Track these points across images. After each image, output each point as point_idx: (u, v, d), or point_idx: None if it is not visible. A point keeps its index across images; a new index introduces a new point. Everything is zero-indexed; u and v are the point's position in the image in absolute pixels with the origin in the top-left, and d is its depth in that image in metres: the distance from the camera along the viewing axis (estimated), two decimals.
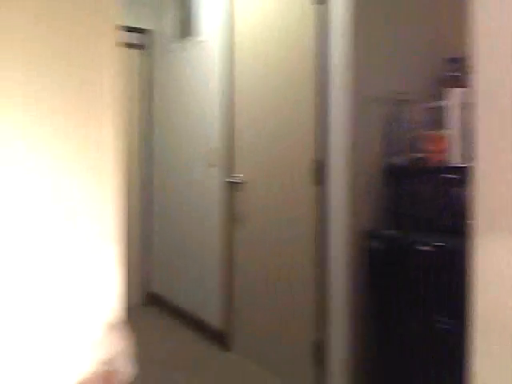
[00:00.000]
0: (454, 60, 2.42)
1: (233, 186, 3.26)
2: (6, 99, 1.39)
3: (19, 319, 1.19)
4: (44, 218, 1.40)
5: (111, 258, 1.51)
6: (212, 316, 3.54)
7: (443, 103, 2.27)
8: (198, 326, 3.72)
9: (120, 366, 1.15)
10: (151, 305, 4.40)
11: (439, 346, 2.02)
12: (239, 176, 3.20)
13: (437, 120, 2.39)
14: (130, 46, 4.26)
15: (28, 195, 1.40)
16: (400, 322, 2.19)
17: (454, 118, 2.16)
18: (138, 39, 4.34)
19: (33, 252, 1.39)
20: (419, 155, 2.39)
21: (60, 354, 1.04)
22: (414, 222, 2.29)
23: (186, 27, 3.92)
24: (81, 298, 1.30)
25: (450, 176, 2.11)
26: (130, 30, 4.24)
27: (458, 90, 2.18)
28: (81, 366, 1.17)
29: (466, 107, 2.09)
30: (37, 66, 1.44)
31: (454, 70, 2.38)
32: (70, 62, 1.46)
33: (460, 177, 2.06)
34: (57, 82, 1.47)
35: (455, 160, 2.16)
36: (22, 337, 1.10)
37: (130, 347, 1.20)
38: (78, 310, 1.21)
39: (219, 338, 3.41)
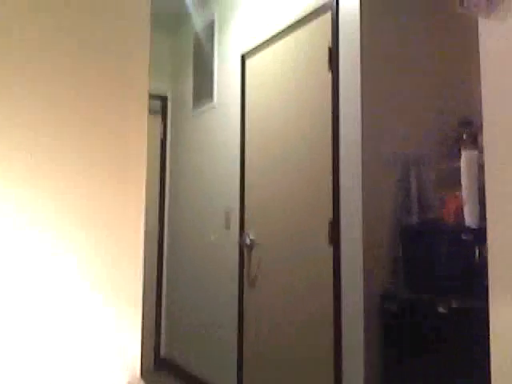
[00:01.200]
0: (468, 121, 2.46)
1: (245, 247, 3.26)
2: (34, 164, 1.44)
3: (40, 377, 1.18)
4: (70, 281, 1.41)
5: (132, 320, 1.50)
6: (225, 382, 3.43)
7: (457, 164, 2.30)
8: None
9: None
10: (162, 370, 4.29)
11: None
12: (251, 237, 3.20)
13: (451, 181, 2.41)
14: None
15: (56, 255, 1.42)
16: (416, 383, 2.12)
17: (468, 178, 2.18)
18: (155, 105, 4.49)
19: (57, 310, 1.39)
20: (433, 216, 2.39)
21: None
22: (428, 284, 2.26)
23: (200, 93, 4.06)
24: (102, 357, 1.28)
25: (465, 237, 2.11)
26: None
27: (471, 151, 2.21)
28: None
29: (480, 168, 2.11)
30: (65, 131, 1.49)
31: (468, 131, 2.42)
32: (100, 127, 1.52)
33: (476, 238, 2.05)
34: (86, 147, 1.52)
35: (470, 221, 2.16)
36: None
37: None
38: (98, 369, 1.19)
39: None
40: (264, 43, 3.21)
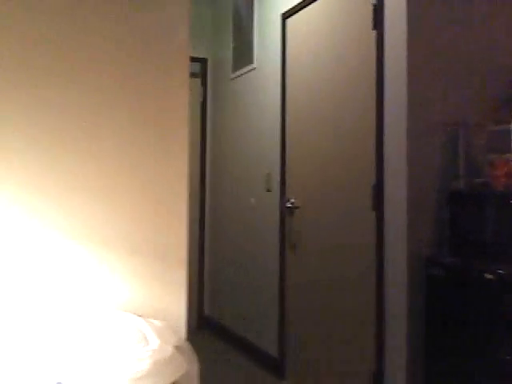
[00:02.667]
0: None
1: (287, 211, 3.25)
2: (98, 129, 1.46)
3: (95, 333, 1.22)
4: (117, 245, 1.45)
5: (177, 283, 1.54)
6: (267, 343, 3.50)
7: (508, 126, 2.20)
8: (251, 351, 3.70)
9: None
10: (204, 328, 4.41)
11: (502, 380, 1.92)
12: (292, 201, 3.19)
13: (501, 144, 2.32)
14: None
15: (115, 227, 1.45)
16: (460, 353, 2.10)
17: None
18: (194, 68, 4.45)
19: (106, 273, 1.43)
20: (482, 180, 2.32)
21: (130, 375, 1.06)
22: (477, 249, 2.21)
23: (240, 55, 4.00)
24: (150, 320, 1.32)
25: None
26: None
27: None
28: None
29: None
30: (113, 94, 1.50)
31: None
32: (143, 91, 1.52)
33: None
34: (132, 110, 1.53)
35: None
36: (98, 355, 1.13)
37: (195, 369, 1.21)
38: (145, 331, 1.23)
39: (274, 366, 3.37)
40: (305, 1, 3.11)
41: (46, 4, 1.41)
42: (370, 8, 2.55)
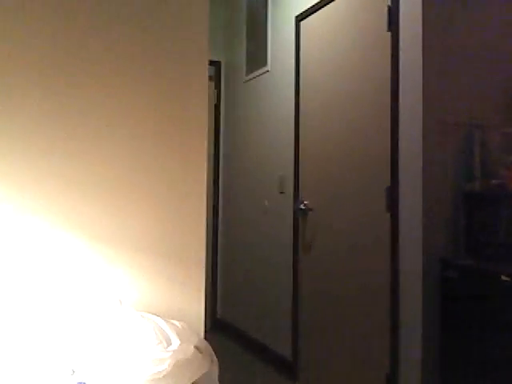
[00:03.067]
0: None
1: (300, 213, 3.26)
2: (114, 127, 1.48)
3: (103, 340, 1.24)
4: (136, 245, 1.47)
5: (196, 283, 1.55)
6: (280, 345, 3.51)
7: None
8: (264, 353, 3.70)
9: None
10: (218, 330, 4.43)
11: None
12: (305, 203, 3.20)
13: None
14: None
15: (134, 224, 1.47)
16: (475, 355, 2.09)
17: None
18: (209, 70, 4.47)
19: (124, 273, 1.45)
20: (498, 181, 2.31)
21: (151, 375, 1.07)
22: (492, 251, 2.20)
23: (254, 58, 4.02)
24: (170, 321, 1.34)
25: None
26: None
27: None
28: None
29: None
30: (132, 95, 1.52)
31: None
32: (163, 93, 1.54)
33: None
34: (153, 111, 1.55)
35: None
36: (119, 356, 1.14)
37: (215, 369, 1.22)
38: (166, 332, 1.24)
39: (287, 368, 3.37)
40: (319, 3, 3.12)
41: (64, 7, 1.44)
42: (385, 9, 2.55)
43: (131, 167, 1.50)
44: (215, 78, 4.54)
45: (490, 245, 2.21)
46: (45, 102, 1.41)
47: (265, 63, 3.81)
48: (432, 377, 2.33)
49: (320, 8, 3.11)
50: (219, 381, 1.32)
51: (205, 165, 1.60)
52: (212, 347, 1.33)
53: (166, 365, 1.12)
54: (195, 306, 1.57)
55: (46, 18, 1.41)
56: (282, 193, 3.55)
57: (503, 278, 2.01)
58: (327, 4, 3.04)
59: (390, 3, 2.53)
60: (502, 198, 2.23)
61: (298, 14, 3.35)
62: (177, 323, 1.33)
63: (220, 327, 4.43)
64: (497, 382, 2.00)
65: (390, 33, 2.53)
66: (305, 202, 3.21)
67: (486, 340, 2.06)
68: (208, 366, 1.18)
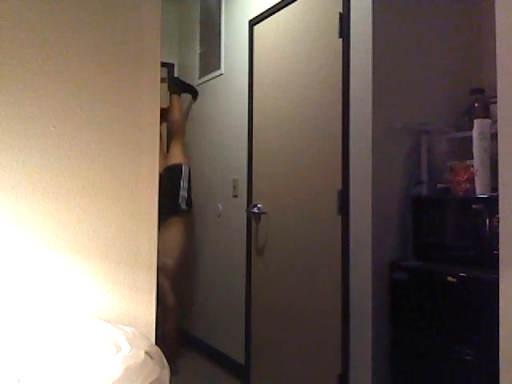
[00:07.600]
0: (478, 90, 2.43)
1: (253, 216, 3.27)
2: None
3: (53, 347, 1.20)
4: (84, 251, 1.43)
5: (147, 287, 1.52)
6: (233, 349, 3.50)
7: (469, 133, 2.28)
8: (217, 357, 3.68)
9: None
10: None
11: (464, 379, 1.98)
12: (259, 206, 3.21)
13: (462, 150, 2.40)
14: None
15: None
16: (424, 354, 2.15)
17: (479, 148, 2.17)
18: (161, 72, 4.43)
19: (75, 278, 1.40)
20: (444, 185, 2.39)
21: (101, 381, 1.05)
22: (439, 253, 2.28)
23: (207, 61, 4.00)
24: (120, 326, 1.31)
25: (475, 206, 2.11)
26: None
27: (483, 120, 2.18)
28: None
29: (492, 137, 2.10)
30: (82, 99, 1.49)
31: (479, 101, 2.39)
32: (113, 95, 1.51)
33: (486, 208, 2.05)
34: (102, 115, 1.51)
35: (481, 190, 2.16)
36: (68, 362, 1.11)
37: (166, 374, 1.20)
38: (116, 337, 1.22)
39: (240, 372, 3.37)
40: (272, 8, 3.14)
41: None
42: (337, 16, 2.60)
43: (79, 169, 1.46)
44: (168, 80, 4.50)
45: (437, 247, 2.28)
46: None
47: (218, 66, 3.80)
48: (382, 376, 2.38)
49: (273, 13, 3.14)
50: None
51: (157, 167, 1.57)
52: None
53: (116, 370, 1.10)
54: (146, 312, 1.55)
55: None
56: (235, 196, 3.55)
57: (449, 279, 2.08)
58: (280, 9, 3.07)
59: (341, 10, 2.57)
60: (448, 201, 2.30)
61: (251, 18, 3.37)
62: (127, 329, 1.30)
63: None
64: (445, 380, 2.06)
65: (341, 39, 2.58)
66: (258, 206, 3.22)
67: (434, 338, 2.12)
68: (159, 371, 1.16)
